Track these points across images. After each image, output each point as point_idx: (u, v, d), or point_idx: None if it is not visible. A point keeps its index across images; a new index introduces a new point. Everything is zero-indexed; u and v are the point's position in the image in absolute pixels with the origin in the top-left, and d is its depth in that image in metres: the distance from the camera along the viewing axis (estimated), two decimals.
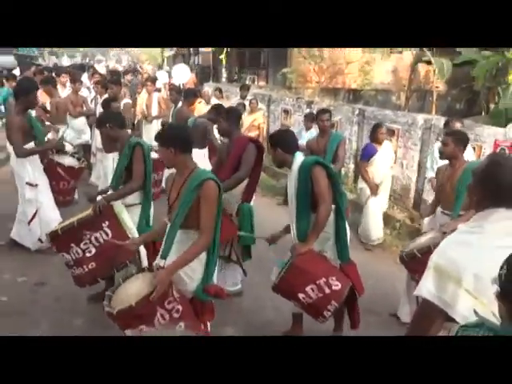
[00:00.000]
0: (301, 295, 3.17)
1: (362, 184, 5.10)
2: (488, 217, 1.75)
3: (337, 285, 3.17)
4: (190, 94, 7.00)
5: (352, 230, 6.05)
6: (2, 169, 7.83)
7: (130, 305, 2.49)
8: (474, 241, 1.72)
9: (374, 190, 4.98)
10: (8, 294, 4.22)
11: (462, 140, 3.86)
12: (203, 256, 2.78)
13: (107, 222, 3.31)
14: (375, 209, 5.66)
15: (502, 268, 1.17)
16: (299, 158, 3.43)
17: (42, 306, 3.95)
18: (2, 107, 7.99)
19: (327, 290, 3.15)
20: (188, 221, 2.74)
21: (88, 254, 3.19)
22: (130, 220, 3.63)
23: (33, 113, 5.36)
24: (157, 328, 2.50)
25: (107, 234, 3.24)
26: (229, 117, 4.38)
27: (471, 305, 1.64)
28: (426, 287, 1.78)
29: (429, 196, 6.02)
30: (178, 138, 2.84)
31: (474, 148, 5.69)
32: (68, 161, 5.17)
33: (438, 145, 5.13)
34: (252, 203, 4.46)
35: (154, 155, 4.14)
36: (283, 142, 3.50)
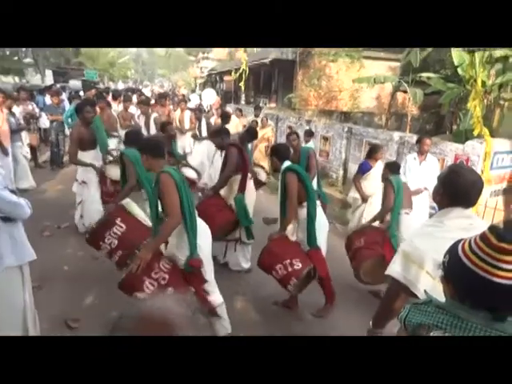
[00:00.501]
0: (273, 272, 3.27)
1: (355, 194, 5.01)
2: (447, 214, 1.75)
3: (298, 265, 3.20)
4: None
5: (338, 221, 6.07)
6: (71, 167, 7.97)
7: (122, 277, 2.64)
8: (435, 233, 1.72)
9: (365, 199, 4.91)
10: (69, 265, 4.27)
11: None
12: (185, 237, 2.74)
13: (119, 218, 3.29)
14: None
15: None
16: (284, 164, 3.47)
17: (96, 276, 3.95)
18: (70, 120, 8.07)
19: (290, 269, 3.19)
20: (164, 210, 2.75)
21: (113, 246, 3.18)
22: (140, 211, 3.52)
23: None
24: (147, 293, 2.56)
25: (121, 227, 3.23)
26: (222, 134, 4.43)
27: (431, 284, 1.64)
28: (394, 268, 1.79)
29: None
30: (148, 146, 2.83)
31: (438, 160, 5.62)
32: (114, 172, 4.71)
33: (409, 156, 5.08)
34: (254, 196, 4.56)
35: None
36: (277, 152, 3.57)
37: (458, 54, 8.74)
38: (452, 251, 1.13)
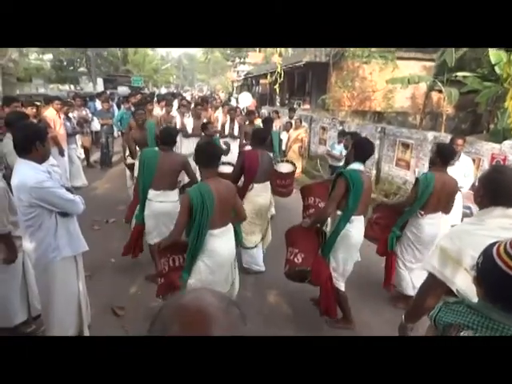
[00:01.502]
0: (287, 250, 3.28)
1: None
2: (489, 213, 1.69)
3: (298, 259, 3.11)
4: (251, 114, 7.13)
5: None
6: (119, 167, 8.35)
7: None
8: (474, 230, 1.67)
9: None
10: (115, 257, 4.43)
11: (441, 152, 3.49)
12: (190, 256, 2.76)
13: None
14: None
15: (479, 257, 1.12)
16: (351, 166, 3.18)
17: (139, 268, 4.11)
18: (120, 123, 8.40)
19: (292, 257, 3.17)
20: None
21: None
22: None
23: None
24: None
25: None
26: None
27: (468, 281, 1.58)
28: (431, 263, 1.75)
29: None
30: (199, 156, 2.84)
31: (474, 160, 5.35)
32: None
33: None
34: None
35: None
36: (357, 149, 3.21)
37: (495, 53, 8.30)
38: (486, 253, 1.10)
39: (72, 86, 27.74)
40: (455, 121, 13.14)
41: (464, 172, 4.54)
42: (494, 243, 1.11)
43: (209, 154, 2.76)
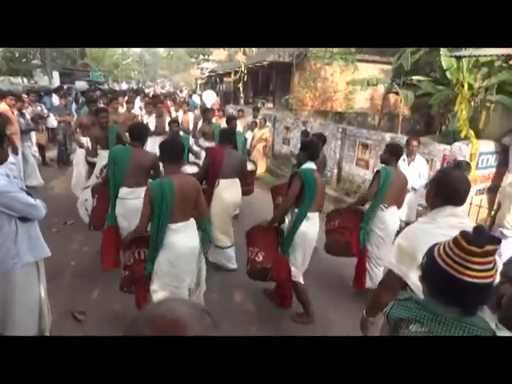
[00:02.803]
0: (248, 250, 3.44)
1: None
2: (440, 212, 1.83)
3: (259, 258, 3.28)
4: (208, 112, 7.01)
5: None
6: None
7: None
8: (427, 229, 1.80)
9: None
10: (75, 260, 4.33)
11: (395, 151, 3.81)
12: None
13: None
14: None
15: (423, 258, 1.23)
16: (305, 165, 3.36)
17: (100, 271, 3.99)
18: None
19: (252, 256, 3.34)
20: None
21: None
22: None
23: None
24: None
25: None
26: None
27: None
28: (389, 259, 1.89)
29: None
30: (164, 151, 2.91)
31: (427, 160, 5.67)
32: None
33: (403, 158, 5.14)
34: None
35: None
36: (305, 149, 3.42)
37: (446, 59, 8.80)
38: (429, 253, 1.21)
39: (25, 79, 26.21)
40: (411, 122, 13.77)
41: (419, 172, 4.81)
42: (435, 244, 1.22)
43: (172, 150, 2.86)
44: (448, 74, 8.92)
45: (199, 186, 3.05)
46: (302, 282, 3.40)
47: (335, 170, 8.42)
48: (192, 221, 2.94)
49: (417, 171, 4.81)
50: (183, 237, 2.83)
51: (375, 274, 3.79)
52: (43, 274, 2.54)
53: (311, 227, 3.30)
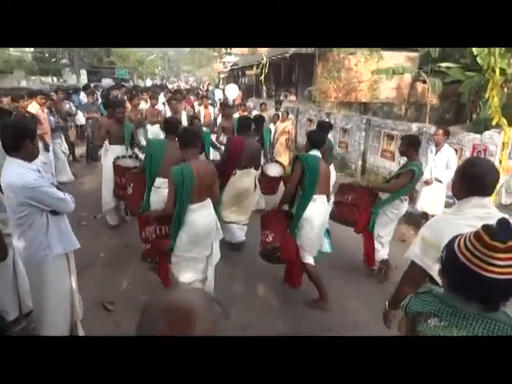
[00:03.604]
0: (261, 233, 3.60)
1: None
2: (466, 203, 1.78)
3: (269, 239, 3.47)
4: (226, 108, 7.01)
5: None
6: None
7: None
8: (453, 220, 1.76)
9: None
10: (104, 252, 4.47)
11: (412, 142, 3.78)
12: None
13: None
14: None
15: (443, 251, 1.19)
16: (310, 152, 3.58)
17: (128, 262, 4.13)
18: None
19: (263, 238, 3.53)
20: None
21: None
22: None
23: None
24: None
25: None
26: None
27: None
28: (414, 251, 1.84)
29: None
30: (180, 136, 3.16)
31: (456, 150, 5.49)
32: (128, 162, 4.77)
33: (429, 148, 5.02)
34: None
35: None
36: (309, 139, 3.62)
37: None
38: (449, 246, 1.17)
39: (55, 79, 27.11)
40: (439, 111, 13.33)
41: (446, 163, 4.66)
42: (456, 237, 1.17)
43: (189, 135, 3.12)
44: (479, 59, 8.54)
45: (215, 171, 3.29)
46: (312, 263, 3.52)
47: (359, 162, 8.28)
48: (208, 201, 3.19)
49: (443, 162, 4.66)
50: (200, 215, 3.10)
51: (377, 251, 3.96)
52: (73, 266, 2.64)
53: (318, 209, 3.41)
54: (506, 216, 1.18)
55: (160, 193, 3.77)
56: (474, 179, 1.76)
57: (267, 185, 4.98)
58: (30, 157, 2.31)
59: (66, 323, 2.61)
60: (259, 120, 5.81)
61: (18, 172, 2.21)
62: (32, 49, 28.40)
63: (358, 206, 3.95)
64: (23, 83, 21.54)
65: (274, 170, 5.13)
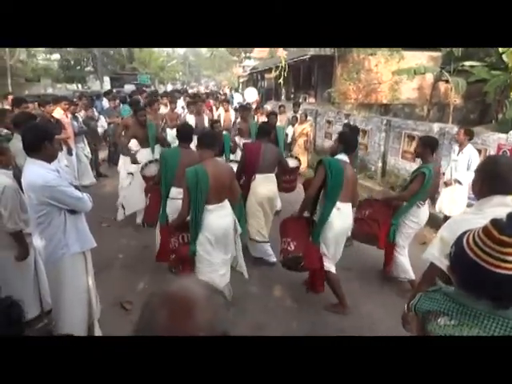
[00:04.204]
0: (281, 241, 3.51)
1: None
2: (487, 202, 1.72)
3: (291, 247, 3.35)
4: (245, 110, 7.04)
5: None
6: None
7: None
8: (473, 219, 1.69)
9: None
10: (123, 253, 4.55)
11: (429, 144, 3.61)
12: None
13: None
14: None
15: (452, 247, 1.15)
16: (337, 156, 3.46)
17: (146, 263, 4.18)
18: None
19: (285, 246, 3.41)
20: None
21: None
22: None
23: None
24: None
25: None
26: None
27: None
28: (432, 252, 1.80)
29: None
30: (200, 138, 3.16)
31: (480, 151, 5.32)
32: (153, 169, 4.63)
33: (454, 149, 4.90)
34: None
35: None
36: (341, 141, 3.47)
37: None
38: (458, 243, 1.13)
39: (79, 85, 27.96)
40: (463, 111, 12.97)
41: (467, 165, 4.53)
42: (466, 232, 1.13)
43: (206, 137, 3.14)
44: (504, 57, 8.27)
45: (233, 172, 3.28)
46: (334, 271, 3.43)
47: (379, 164, 8.14)
48: (226, 202, 3.17)
49: (464, 163, 4.53)
50: (218, 216, 3.08)
51: (405, 264, 3.79)
52: (91, 265, 2.71)
53: (341, 217, 3.29)
54: None
55: (176, 204, 3.63)
56: (494, 177, 1.71)
57: (285, 179, 4.79)
58: (50, 158, 2.40)
59: (83, 321, 2.68)
60: (271, 117, 5.79)
61: (38, 172, 2.30)
62: (58, 57, 29.45)
63: (377, 220, 3.80)
64: (49, 90, 22.32)
65: (290, 163, 4.97)
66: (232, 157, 5.79)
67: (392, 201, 3.91)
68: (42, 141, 2.33)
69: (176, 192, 3.71)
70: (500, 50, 8.46)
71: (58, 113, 6.63)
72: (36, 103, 7.38)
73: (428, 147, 3.59)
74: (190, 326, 0.69)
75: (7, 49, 19.30)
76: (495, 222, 1.02)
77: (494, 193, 1.71)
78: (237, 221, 3.34)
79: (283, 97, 17.71)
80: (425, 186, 3.52)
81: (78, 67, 30.04)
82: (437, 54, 13.78)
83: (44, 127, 2.47)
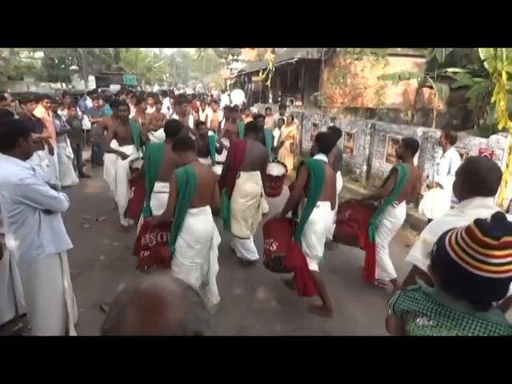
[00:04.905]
0: (264, 242, 3.55)
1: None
2: (468, 204, 1.71)
3: (273, 247, 3.41)
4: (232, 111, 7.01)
5: None
6: None
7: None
8: (454, 221, 1.67)
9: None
10: (105, 254, 4.44)
11: (410, 145, 3.69)
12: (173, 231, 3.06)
13: None
14: None
15: (433, 246, 1.12)
16: (315, 156, 3.49)
17: (128, 264, 4.08)
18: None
19: (267, 247, 3.47)
20: None
21: None
22: None
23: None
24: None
25: None
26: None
27: None
28: (414, 255, 1.77)
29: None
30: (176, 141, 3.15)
31: (462, 155, 5.40)
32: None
33: (440, 152, 4.94)
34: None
35: None
36: (318, 142, 3.50)
37: (484, 49, 8.35)
38: (440, 242, 1.10)
39: (64, 84, 27.47)
40: (446, 116, 13.23)
41: (448, 169, 4.60)
42: (448, 231, 1.10)
43: (184, 141, 3.13)
44: (486, 64, 8.45)
45: (215, 175, 3.30)
46: (316, 270, 3.43)
47: (364, 167, 8.21)
48: (208, 207, 3.16)
49: (445, 167, 4.59)
50: (200, 220, 3.06)
51: (387, 263, 3.81)
52: (66, 267, 2.62)
53: (321, 215, 3.33)
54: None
55: (160, 197, 3.69)
56: (475, 178, 1.70)
57: (271, 185, 4.88)
58: (24, 155, 2.31)
59: (59, 324, 2.58)
60: (258, 120, 5.79)
61: (11, 170, 2.20)
62: (42, 55, 28.87)
63: (357, 221, 3.88)
64: (33, 89, 21.86)
65: (276, 170, 5.05)
66: (219, 158, 5.75)
67: (367, 199, 3.96)
68: (17, 137, 2.24)
69: (160, 186, 3.73)
70: (482, 56, 8.64)
71: (39, 111, 6.46)
72: (17, 101, 7.19)
73: (409, 148, 3.67)
74: (160, 324, 0.65)
75: None
76: (479, 223, 0.99)
77: (475, 194, 1.70)
78: (216, 229, 3.30)
79: (270, 99, 17.75)
80: (398, 184, 3.60)
81: (63, 66, 29.48)
82: (421, 60, 14.05)
83: (19, 123, 2.37)
